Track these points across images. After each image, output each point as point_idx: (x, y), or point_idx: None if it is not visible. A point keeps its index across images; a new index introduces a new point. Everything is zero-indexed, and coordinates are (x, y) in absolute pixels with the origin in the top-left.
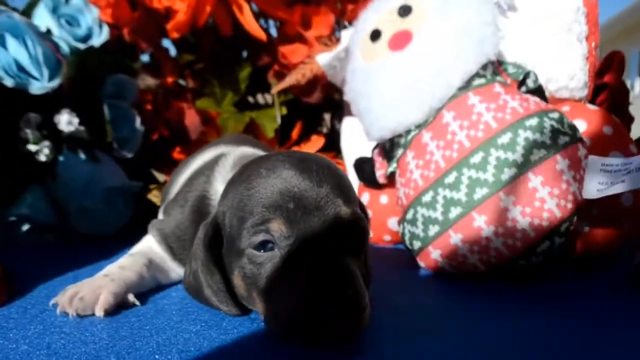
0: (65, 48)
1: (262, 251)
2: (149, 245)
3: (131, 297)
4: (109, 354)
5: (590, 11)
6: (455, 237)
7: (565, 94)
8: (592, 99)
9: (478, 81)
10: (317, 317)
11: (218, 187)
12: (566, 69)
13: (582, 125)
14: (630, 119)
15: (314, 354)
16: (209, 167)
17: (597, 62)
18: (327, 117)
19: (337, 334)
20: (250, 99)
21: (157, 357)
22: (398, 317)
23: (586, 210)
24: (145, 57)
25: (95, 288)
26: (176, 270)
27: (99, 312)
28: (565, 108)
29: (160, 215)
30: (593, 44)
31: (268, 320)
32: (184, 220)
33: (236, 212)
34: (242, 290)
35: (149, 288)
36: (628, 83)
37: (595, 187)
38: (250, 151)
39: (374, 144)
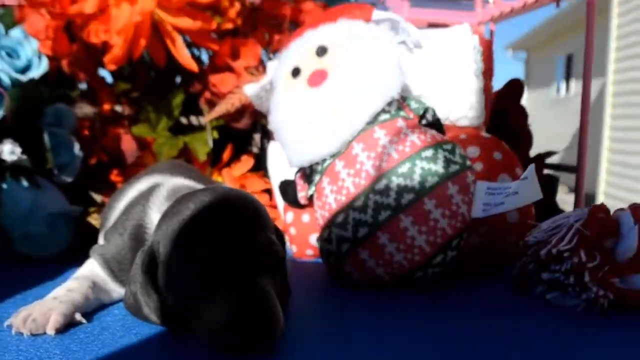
0: (6, 80)
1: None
2: (92, 269)
3: (78, 316)
4: None
5: (485, 50)
6: (363, 253)
7: (465, 122)
8: (494, 122)
9: (383, 116)
10: (234, 328)
11: (153, 216)
12: (465, 101)
13: (475, 151)
14: (529, 137)
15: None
16: (145, 197)
17: (492, 94)
18: (257, 137)
19: (252, 344)
20: (184, 120)
21: None
22: (312, 323)
23: (476, 227)
24: (82, 85)
25: (45, 310)
26: (117, 291)
27: (50, 331)
28: (463, 136)
29: (101, 240)
30: (488, 78)
31: (197, 333)
32: (124, 246)
33: (170, 243)
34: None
35: (93, 308)
36: (554, 86)
37: (481, 208)
38: (183, 182)
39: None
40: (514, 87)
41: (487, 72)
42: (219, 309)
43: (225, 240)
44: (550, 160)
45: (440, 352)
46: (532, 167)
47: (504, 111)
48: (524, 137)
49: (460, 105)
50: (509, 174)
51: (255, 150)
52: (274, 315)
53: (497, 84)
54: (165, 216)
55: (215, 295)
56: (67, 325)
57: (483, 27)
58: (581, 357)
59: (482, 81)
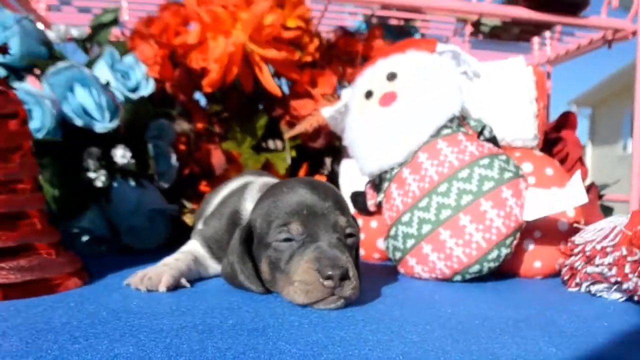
0: (120, 97)
1: (283, 243)
2: (194, 246)
3: (183, 281)
4: (175, 310)
5: (538, 79)
6: (426, 248)
7: (519, 144)
8: (549, 149)
9: (445, 131)
10: (323, 277)
11: (247, 205)
12: (520, 124)
13: (529, 167)
14: (584, 168)
15: (316, 313)
16: (240, 191)
17: (545, 119)
18: (327, 161)
19: (335, 292)
20: (264, 144)
21: (207, 319)
22: (385, 299)
23: (530, 232)
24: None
25: (158, 272)
26: (213, 267)
27: (162, 289)
28: (517, 154)
29: (200, 226)
30: (541, 104)
31: (284, 289)
32: (221, 228)
33: (265, 217)
34: (267, 275)
35: (193, 278)
36: (621, 143)
37: (531, 211)
38: (271, 180)
39: (366, 180)
40: (570, 118)
41: (541, 99)
42: (305, 263)
43: (311, 215)
44: None
45: (506, 322)
46: (578, 173)
47: (559, 138)
48: (580, 165)
49: (515, 127)
50: (559, 187)
51: (325, 172)
52: (350, 271)
53: None
54: (261, 199)
55: (301, 257)
56: (174, 288)
57: (540, 69)
58: (620, 341)
59: (536, 107)
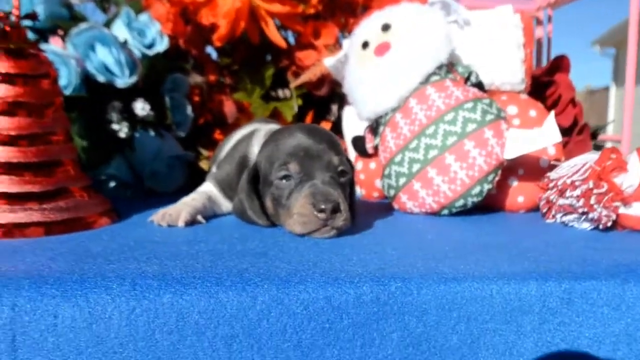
0: (137, 53)
1: (284, 181)
2: (208, 187)
3: (199, 217)
4: (191, 240)
5: (526, 26)
6: (416, 185)
7: (508, 87)
8: (542, 92)
9: (434, 78)
10: (317, 210)
11: (254, 149)
12: (508, 69)
13: (514, 110)
14: (580, 108)
15: (311, 240)
16: (248, 137)
17: (532, 64)
18: (334, 107)
19: (327, 223)
20: (273, 93)
21: (218, 245)
22: (376, 229)
23: (514, 169)
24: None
25: (178, 209)
26: (225, 205)
27: (181, 224)
28: (504, 98)
29: (214, 170)
30: (528, 50)
31: (285, 222)
32: (232, 171)
33: (269, 159)
34: (271, 210)
35: (208, 215)
36: None
37: (511, 150)
38: (276, 127)
39: (365, 124)
40: (561, 61)
41: (528, 45)
42: (302, 199)
43: (307, 156)
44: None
45: (478, 246)
46: (551, 115)
47: (550, 81)
48: (574, 105)
49: (503, 72)
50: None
51: (332, 118)
52: (341, 204)
53: (584, 81)
54: (265, 144)
55: (300, 192)
56: (191, 223)
57: (541, 12)
58: (591, 264)
59: (523, 52)
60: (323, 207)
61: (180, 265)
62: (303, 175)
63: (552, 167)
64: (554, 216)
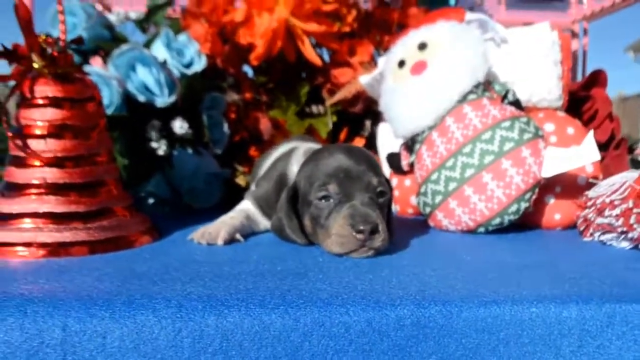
0: (176, 73)
1: (323, 201)
2: (247, 205)
3: (238, 235)
4: (232, 259)
5: (563, 43)
6: (452, 203)
7: (545, 104)
8: (579, 107)
9: (471, 96)
10: (355, 231)
11: (293, 168)
12: (545, 86)
13: (551, 127)
14: (617, 123)
15: (350, 260)
16: (287, 155)
17: (570, 80)
18: (367, 123)
19: (365, 244)
20: (308, 110)
21: (259, 266)
22: (413, 249)
23: (551, 187)
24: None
25: (217, 228)
26: (263, 223)
27: (220, 242)
28: (541, 115)
29: (253, 188)
30: (565, 67)
31: (323, 242)
32: (270, 189)
33: (308, 179)
34: (309, 229)
35: (246, 233)
36: None
37: (549, 168)
38: (314, 145)
39: (400, 142)
40: (598, 75)
41: (565, 62)
42: (341, 220)
43: (347, 177)
44: None
45: (517, 267)
46: (590, 133)
47: (587, 96)
48: (610, 121)
49: (540, 89)
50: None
51: (365, 134)
52: (380, 226)
53: (616, 88)
54: (304, 163)
55: (338, 214)
56: (230, 241)
57: (577, 25)
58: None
59: (560, 69)
60: (362, 228)
61: (223, 287)
62: (342, 196)
63: (589, 185)
64: (592, 234)
